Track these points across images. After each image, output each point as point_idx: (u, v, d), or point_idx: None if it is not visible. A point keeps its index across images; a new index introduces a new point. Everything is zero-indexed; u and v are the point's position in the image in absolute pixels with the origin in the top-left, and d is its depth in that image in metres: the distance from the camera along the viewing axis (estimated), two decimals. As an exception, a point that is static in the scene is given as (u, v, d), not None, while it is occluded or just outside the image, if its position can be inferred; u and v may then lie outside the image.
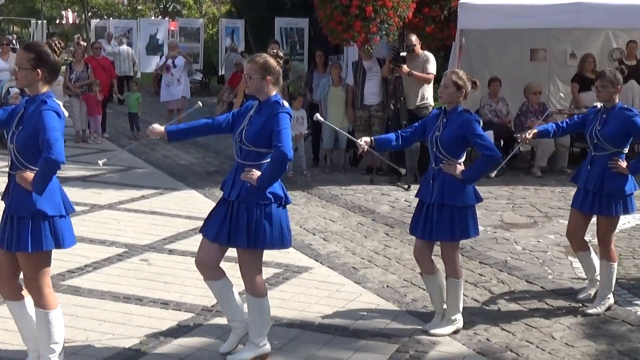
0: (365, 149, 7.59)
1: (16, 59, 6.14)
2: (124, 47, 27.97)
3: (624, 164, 7.94)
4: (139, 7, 59.69)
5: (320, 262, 9.69)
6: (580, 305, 8.30)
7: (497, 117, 15.76)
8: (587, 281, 8.64)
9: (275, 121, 6.45)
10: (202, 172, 15.24)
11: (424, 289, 8.56)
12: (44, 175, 5.77)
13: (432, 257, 7.59)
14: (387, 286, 8.86)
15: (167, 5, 61.32)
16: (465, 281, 8.77)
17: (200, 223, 10.84)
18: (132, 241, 10.32)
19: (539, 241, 10.82)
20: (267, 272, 8.80)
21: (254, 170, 6.46)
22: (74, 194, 11.36)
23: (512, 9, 14.79)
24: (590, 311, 8.06)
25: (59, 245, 6.00)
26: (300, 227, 11.29)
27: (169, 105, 19.00)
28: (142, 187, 13.88)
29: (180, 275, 8.97)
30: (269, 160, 6.51)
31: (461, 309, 7.58)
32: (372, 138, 7.64)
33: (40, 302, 6.05)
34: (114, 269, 9.18)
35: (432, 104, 14.58)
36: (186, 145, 17.52)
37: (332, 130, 14.74)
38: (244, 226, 6.49)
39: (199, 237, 10.20)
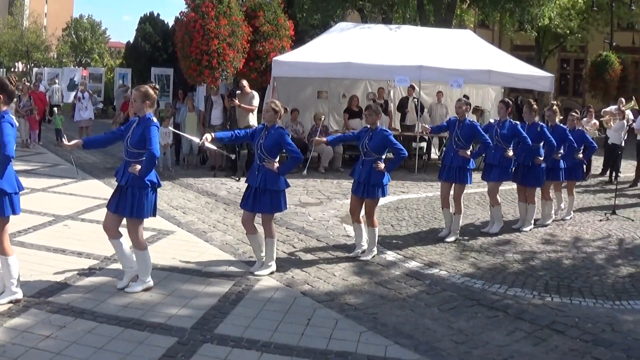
0: (208, 141, 7.28)
1: None
2: (56, 85, 26.73)
3: (382, 165, 8.03)
4: (64, 60, 59.29)
5: (181, 228, 9.35)
6: (351, 255, 8.30)
7: (296, 134, 15.65)
8: (355, 241, 8.60)
9: (148, 131, 6.34)
10: (103, 168, 14.43)
11: (250, 245, 8.40)
12: (1, 165, 5.71)
13: (254, 223, 7.46)
14: (226, 243, 8.65)
15: (81, 60, 60.69)
16: (278, 240, 8.64)
17: (101, 202, 10.45)
18: (58, 212, 9.76)
19: (323, 214, 10.80)
20: (146, 234, 8.41)
21: (136, 165, 6.24)
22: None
23: (305, 64, 14.78)
24: (362, 258, 8.16)
25: (14, 212, 5.90)
26: (168, 204, 10.87)
27: (80, 124, 18.36)
28: (64, 177, 13.06)
29: (89, 235, 8.54)
30: (145, 158, 6.23)
31: (275, 258, 7.45)
32: (212, 134, 7.40)
33: (3, 251, 5.88)
34: (46, 231, 8.76)
35: (256, 124, 14.29)
36: (92, 150, 16.74)
37: (188, 141, 14.41)
38: (129, 202, 6.35)
39: (102, 210, 9.79)
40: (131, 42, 35.80)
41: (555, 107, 10.70)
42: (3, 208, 5.74)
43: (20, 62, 68.11)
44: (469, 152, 9.25)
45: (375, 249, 8.27)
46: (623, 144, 13.80)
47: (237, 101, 13.46)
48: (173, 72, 28.22)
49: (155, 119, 6.44)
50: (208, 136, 7.28)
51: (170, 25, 35.62)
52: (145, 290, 6.48)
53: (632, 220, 11.10)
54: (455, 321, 6.24)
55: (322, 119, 15.48)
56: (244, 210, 7.42)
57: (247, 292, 6.69)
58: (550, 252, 8.97)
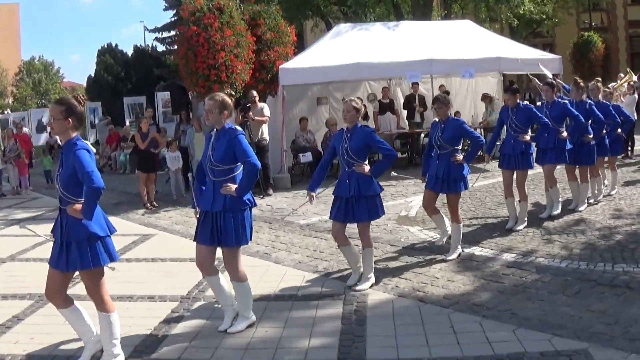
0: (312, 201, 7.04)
1: (50, 112, 4.91)
2: (26, 129, 25.68)
3: (460, 156, 7.61)
4: (28, 103, 57.10)
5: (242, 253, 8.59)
6: (437, 256, 7.84)
7: (309, 144, 15.10)
8: (438, 234, 8.39)
9: (238, 142, 5.60)
10: (109, 204, 13.54)
11: (326, 261, 7.96)
12: (92, 202, 4.73)
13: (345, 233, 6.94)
14: (299, 262, 8.02)
15: (39, 102, 58.82)
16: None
17: (134, 238, 9.71)
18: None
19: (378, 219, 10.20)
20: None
21: (229, 184, 5.49)
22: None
23: (313, 70, 14.34)
24: (449, 258, 7.68)
25: (112, 259, 4.97)
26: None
27: None
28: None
29: (148, 276, 7.72)
30: (239, 173, 5.65)
31: (373, 270, 6.90)
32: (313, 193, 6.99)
33: (103, 307, 4.93)
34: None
35: (267, 138, 13.64)
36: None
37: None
38: (231, 229, 5.55)
39: (140, 247, 9.13)
40: (92, 76, 34.96)
41: (599, 83, 10.51)
42: (98, 255, 4.83)
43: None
44: (528, 137, 8.89)
45: (459, 246, 7.81)
46: (635, 118, 13.77)
47: (251, 114, 12.88)
48: (146, 98, 27.44)
49: (238, 127, 5.81)
50: (312, 198, 6.98)
51: (130, 55, 35.04)
52: (250, 326, 5.78)
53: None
54: (590, 304, 5.93)
55: (336, 124, 15.00)
56: (334, 222, 6.85)
57: (364, 309, 6.12)
58: (624, 225, 8.81)
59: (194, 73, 12.68)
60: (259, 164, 5.64)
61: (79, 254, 4.73)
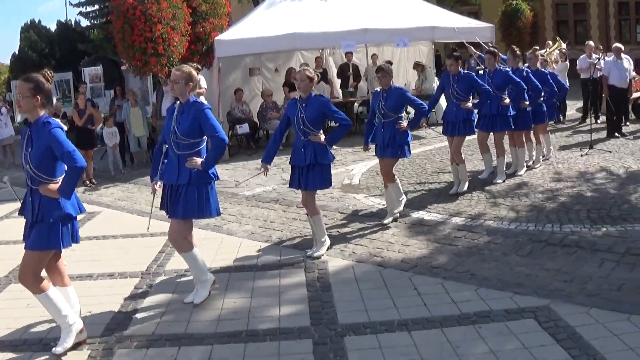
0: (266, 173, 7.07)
1: (18, 89, 4.69)
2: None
3: (405, 123, 7.81)
4: None
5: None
6: (386, 222, 7.93)
7: (244, 115, 14.87)
8: (387, 208, 8.26)
9: (204, 116, 5.51)
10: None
11: (278, 230, 7.97)
12: (72, 182, 4.63)
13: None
14: (252, 233, 7.96)
15: None
16: (304, 220, 8.07)
17: (82, 215, 9.28)
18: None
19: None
20: (160, 242, 7.58)
21: (195, 158, 5.46)
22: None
23: (249, 41, 14.00)
24: (396, 210, 7.99)
25: (75, 240, 4.90)
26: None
27: (2, 142, 16.22)
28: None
29: (101, 254, 7.45)
30: (204, 147, 5.62)
31: (326, 234, 6.97)
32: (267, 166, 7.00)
33: (39, 289, 4.73)
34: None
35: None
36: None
37: (135, 137, 13.60)
38: (194, 201, 5.52)
39: (90, 223, 8.88)
40: (16, 52, 33.63)
41: (537, 52, 10.80)
42: (68, 237, 4.70)
43: None
44: (470, 104, 9.07)
45: (404, 196, 8.09)
46: (567, 85, 14.25)
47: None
48: (77, 73, 26.30)
49: (204, 101, 5.73)
50: (266, 171, 6.98)
51: (53, 30, 33.86)
52: (213, 286, 5.81)
53: (610, 152, 11.46)
54: (543, 263, 6.15)
55: (271, 95, 14.89)
56: (302, 191, 6.86)
57: (327, 276, 6.17)
58: (566, 188, 9.08)
59: (131, 47, 12.28)
60: (226, 139, 5.61)
61: (48, 234, 4.58)
